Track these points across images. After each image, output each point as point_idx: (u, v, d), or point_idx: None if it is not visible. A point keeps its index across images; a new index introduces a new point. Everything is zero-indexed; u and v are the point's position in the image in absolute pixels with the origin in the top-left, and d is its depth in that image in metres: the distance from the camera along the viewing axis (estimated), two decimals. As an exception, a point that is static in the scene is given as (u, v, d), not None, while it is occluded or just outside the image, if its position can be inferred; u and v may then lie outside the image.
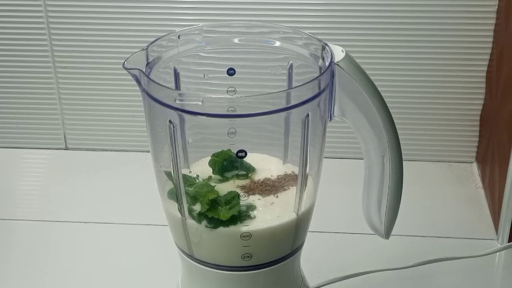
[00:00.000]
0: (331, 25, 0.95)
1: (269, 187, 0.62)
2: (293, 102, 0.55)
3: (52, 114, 1.04)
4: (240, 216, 0.59)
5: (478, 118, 0.98)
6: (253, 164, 0.63)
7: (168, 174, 0.60)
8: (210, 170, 0.62)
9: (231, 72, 0.64)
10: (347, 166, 0.99)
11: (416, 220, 0.89)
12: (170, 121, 0.56)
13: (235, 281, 0.62)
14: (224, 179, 0.62)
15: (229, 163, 0.62)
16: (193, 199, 0.60)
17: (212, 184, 0.61)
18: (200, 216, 0.59)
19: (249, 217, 0.59)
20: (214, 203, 0.59)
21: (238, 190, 0.60)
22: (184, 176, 0.60)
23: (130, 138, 1.04)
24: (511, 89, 0.86)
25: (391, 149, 0.61)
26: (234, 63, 0.64)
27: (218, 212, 0.58)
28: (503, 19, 0.90)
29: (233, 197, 0.59)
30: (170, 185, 0.61)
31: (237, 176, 0.61)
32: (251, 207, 0.60)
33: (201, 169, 0.63)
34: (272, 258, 0.61)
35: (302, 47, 0.63)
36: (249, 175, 0.62)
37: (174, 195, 0.60)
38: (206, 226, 0.59)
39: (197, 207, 0.59)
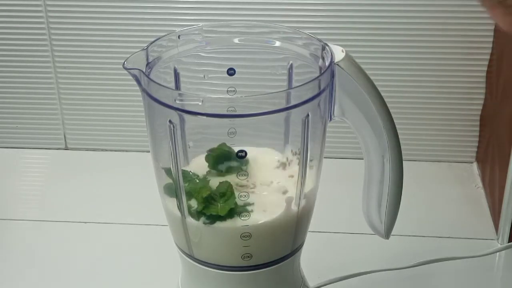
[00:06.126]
0: (331, 25, 0.95)
1: (268, 186, 0.62)
2: (293, 102, 0.55)
3: (52, 114, 1.04)
4: (238, 212, 0.59)
5: (478, 118, 0.98)
6: (252, 161, 0.63)
7: (168, 171, 0.60)
8: (206, 165, 0.62)
9: (231, 72, 0.64)
10: (347, 166, 0.99)
11: (416, 220, 0.88)
12: (170, 121, 0.56)
13: (235, 281, 0.62)
14: (220, 173, 0.62)
15: (225, 158, 0.61)
16: (190, 195, 0.60)
17: (208, 178, 0.61)
18: (198, 212, 0.59)
19: (248, 215, 0.59)
20: (209, 200, 0.59)
21: (238, 190, 0.60)
22: (183, 172, 0.60)
23: (130, 138, 1.04)
24: (511, 89, 0.86)
25: (391, 149, 0.60)
26: (234, 63, 0.64)
27: (216, 208, 0.58)
28: (503, 19, 0.90)
29: (226, 188, 0.59)
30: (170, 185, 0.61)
31: (237, 176, 0.61)
32: (250, 205, 0.59)
33: (198, 164, 0.63)
34: (272, 258, 0.61)
35: (302, 47, 0.63)
36: (248, 173, 0.62)
37: (172, 191, 0.59)
38: (204, 223, 0.59)
39: (195, 204, 0.59)
